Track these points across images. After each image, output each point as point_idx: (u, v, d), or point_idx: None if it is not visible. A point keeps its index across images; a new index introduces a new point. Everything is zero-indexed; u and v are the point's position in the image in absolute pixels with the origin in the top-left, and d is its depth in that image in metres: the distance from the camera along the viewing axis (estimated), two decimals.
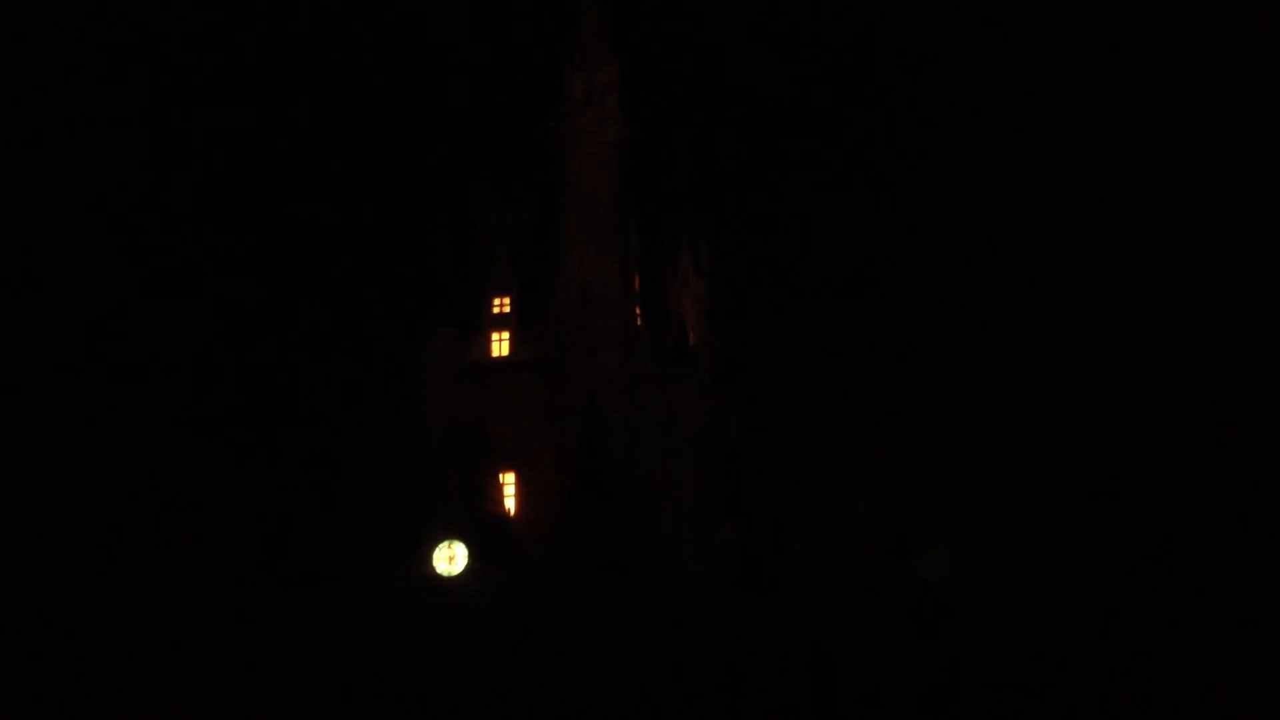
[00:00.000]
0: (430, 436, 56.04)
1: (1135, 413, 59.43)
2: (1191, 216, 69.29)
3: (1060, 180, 75.58)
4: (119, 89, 76.84)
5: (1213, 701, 48.06)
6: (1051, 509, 53.25)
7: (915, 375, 65.74)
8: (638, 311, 59.22)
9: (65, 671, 49.63)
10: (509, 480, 56.29)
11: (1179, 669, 48.82)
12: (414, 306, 58.62)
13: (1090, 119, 76.85)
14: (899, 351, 68.40)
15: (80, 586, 52.30)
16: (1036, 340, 66.82)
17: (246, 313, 68.74)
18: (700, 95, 76.65)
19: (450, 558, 51.79)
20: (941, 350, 68.41)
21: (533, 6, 64.74)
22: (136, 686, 49.17)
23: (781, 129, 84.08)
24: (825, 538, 53.12)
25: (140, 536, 54.26)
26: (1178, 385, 60.26)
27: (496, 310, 58.75)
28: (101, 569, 52.98)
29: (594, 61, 59.76)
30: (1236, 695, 47.99)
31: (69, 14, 76.18)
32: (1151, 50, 75.50)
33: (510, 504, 56.09)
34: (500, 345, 58.52)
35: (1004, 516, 53.60)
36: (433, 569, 51.68)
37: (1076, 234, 72.65)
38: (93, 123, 76.37)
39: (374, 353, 60.76)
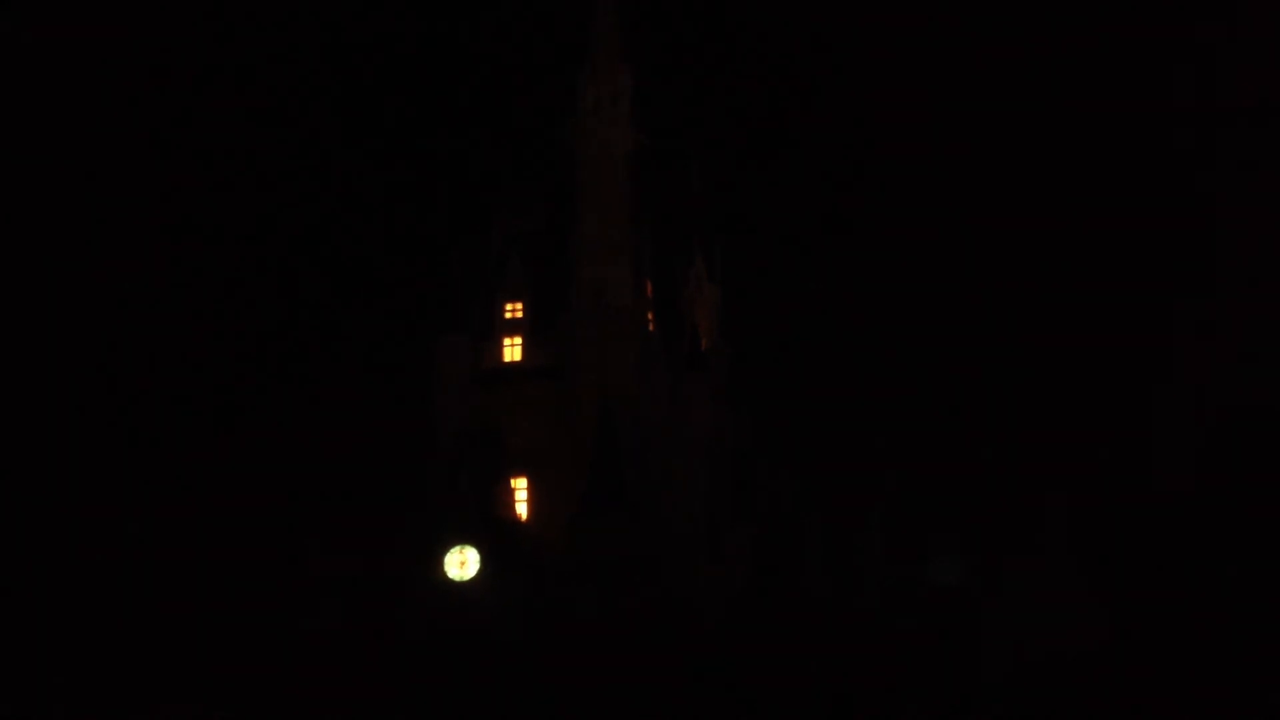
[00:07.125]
0: (442, 442, 56.09)
1: (1153, 415, 59.19)
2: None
3: (1076, 187, 75.31)
4: (131, 90, 77.31)
5: (1231, 706, 47.79)
6: (1068, 512, 52.92)
7: (929, 379, 65.53)
8: (650, 317, 59.19)
9: (76, 677, 49.71)
10: (521, 485, 56.36)
11: (1197, 674, 48.54)
12: (427, 312, 58.70)
13: (1100, 125, 76.66)
14: (913, 355, 68.21)
15: (94, 591, 52.40)
16: (1054, 343, 66.61)
17: (261, 318, 68.86)
18: (714, 101, 76.63)
19: (462, 562, 51.80)
20: (956, 353, 68.22)
21: (547, 13, 64.80)
22: (148, 691, 49.25)
23: (796, 134, 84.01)
24: (839, 542, 52.97)
25: (154, 542, 54.33)
26: (1192, 388, 60.00)
27: (509, 316, 58.80)
28: (116, 573, 53.08)
29: (607, 68, 59.88)
30: (1254, 700, 47.73)
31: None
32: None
33: (522, 509, 56.14)
34: (513, 351, 58.56)
35: (1019, 520, 53.34)
36: (445, 574, 51.67)
37: (1092, 239, 72.41)
38: (115, 123, 76.96)
39: (387, 358, 60.88)
